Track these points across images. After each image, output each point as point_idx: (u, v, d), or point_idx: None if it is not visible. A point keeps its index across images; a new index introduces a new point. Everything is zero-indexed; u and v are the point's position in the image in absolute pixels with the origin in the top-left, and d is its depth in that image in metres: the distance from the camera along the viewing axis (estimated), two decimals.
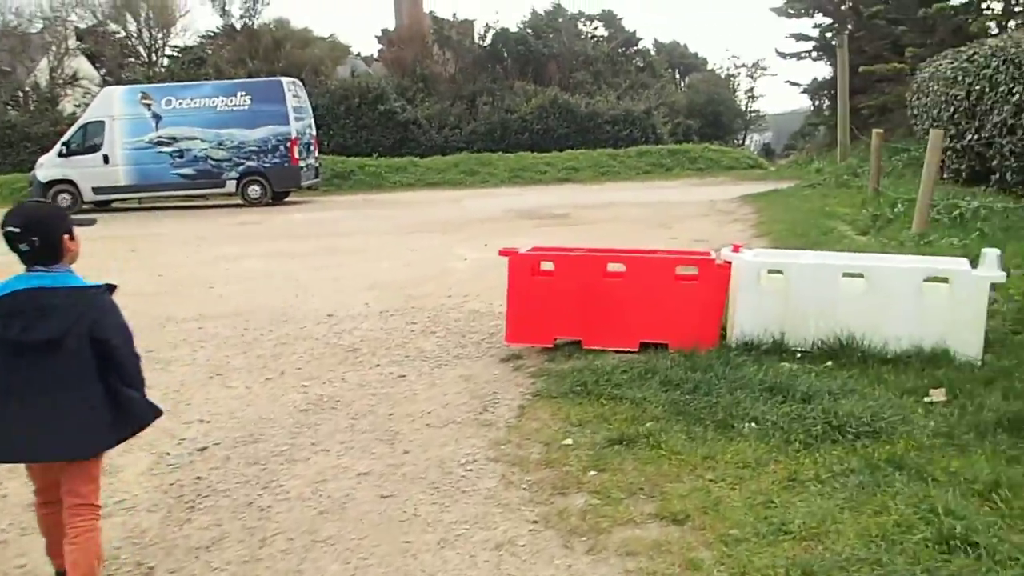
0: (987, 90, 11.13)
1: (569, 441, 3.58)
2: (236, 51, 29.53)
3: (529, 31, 36.64)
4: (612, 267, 4.99)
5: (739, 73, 48.60)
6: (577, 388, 4.16)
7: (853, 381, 4.12)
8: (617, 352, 4.75)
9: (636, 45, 44.62)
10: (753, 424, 3.63)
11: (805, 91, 30.47)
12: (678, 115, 37.70)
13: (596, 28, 43.63)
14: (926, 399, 3.90)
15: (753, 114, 49.91)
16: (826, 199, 12.88)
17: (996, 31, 20.83)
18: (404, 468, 3.42)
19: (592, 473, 3.26)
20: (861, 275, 4.66)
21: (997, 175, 10.99)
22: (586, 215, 13.52)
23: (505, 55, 34.57)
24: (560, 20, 39.47)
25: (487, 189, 21.07)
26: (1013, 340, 4.64)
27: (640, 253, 5.22)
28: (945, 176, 12.66)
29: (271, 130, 17.71)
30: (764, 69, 47.76)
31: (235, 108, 17.73)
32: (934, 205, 8.87)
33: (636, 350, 4.76)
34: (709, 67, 50.45)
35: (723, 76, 48.89)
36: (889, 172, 13.95)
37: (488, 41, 34.72)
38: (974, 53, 12.15)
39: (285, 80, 18.47)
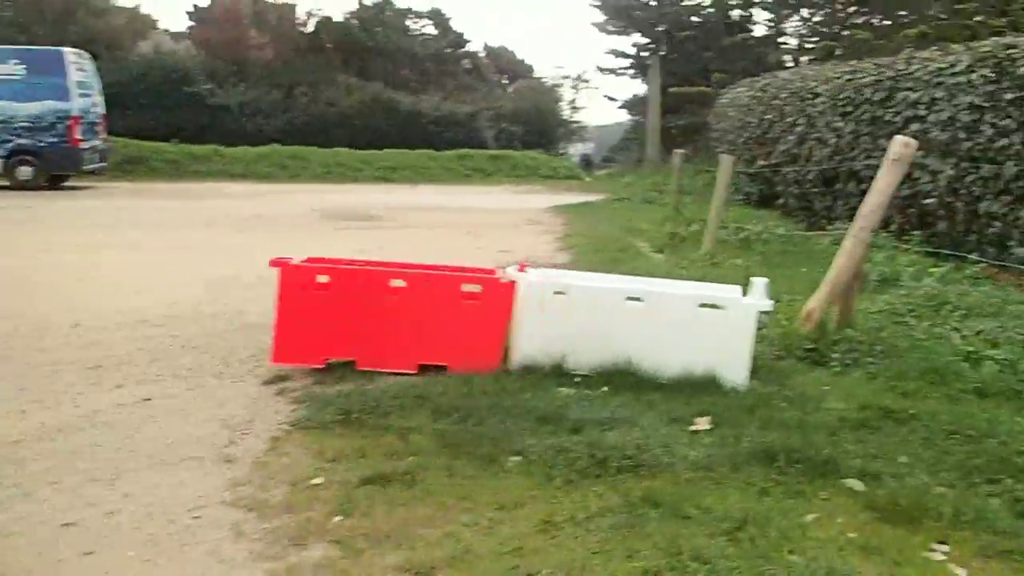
0: (776, 120, 11.92)
1: (319, 480, 3.29)
2: (20, 14, 26.74)
3: (355, 22, 35.76)
4: (394, 283, 4.75)
5: (563, 84, 49.78)
6: (340, 417, 3.87)
7: (625, 409, 4.10)
8: (395, 374, 4.51)
9: (464, 47, 44.76)
10: (518, 458, 3.50)
11: (622, 106, 31.80)
12: (503, 120, 38.06)
13: (425, 26, 43.31)
14: (691, 428, 3.94)
15: (576, 125, 51.25)
16: (631, 214, 13.36)
17: (792, 64, 22.63)
18: (119, 517, 2.99)
19: (337, 519, 2.99)
20: (641, 299, 4.70)
21: (782, 200, 11.80)
22: (397, 218, 13.24)
23: (328, 45, 33.59)
24: (388, 14, 38.86)
25: (296, 185, 20.27)
26: (777, 366, 4.83)
27: (423, 268, 5.01)
28: (740, 198, 13.47)
29: (48, 106, 16.07)
30: (586, 82, 49.25)
31: (5, 78, 15.93)
32: (724, 227, 9.33)
33: (414, 372, 4.55)
34: (536, 75, 51.37)
35: (549, 86, 49.90)
36: (691, 191, 14.66)
37: (310, 28, 33.60)
38: (767, 84, 13.02)
39: (68, 51, 16.82)
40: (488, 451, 3.53)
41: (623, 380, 4.49)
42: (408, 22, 41.02)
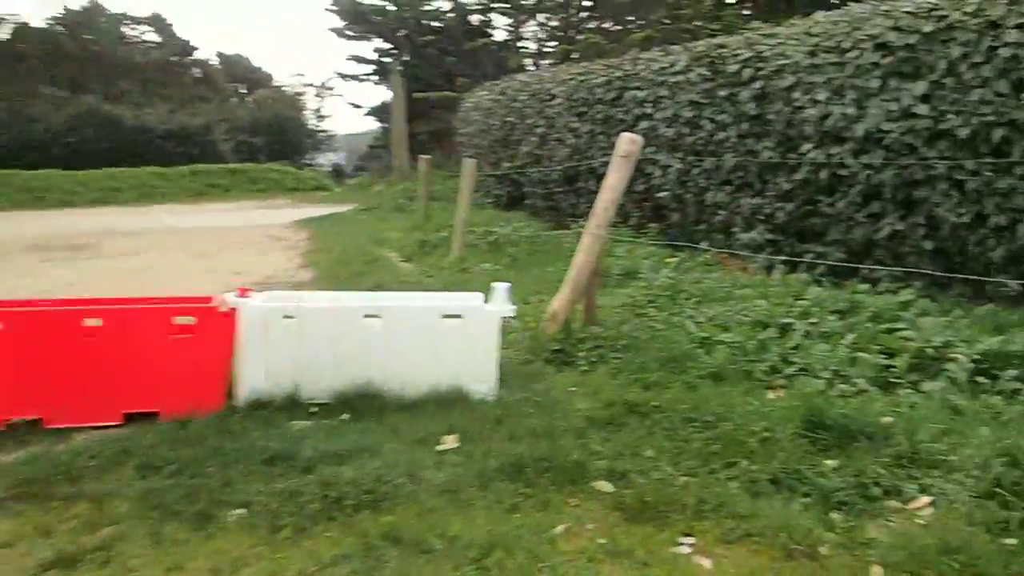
0: (517, 122, 12.25)
1: None
2: None
3: (60, 29, 32.69)
4: (88, 322, 4.17)
5: (306, 92, 48.83)
6: (18, 489, 3.28)
7: (366, 436, 3.86)
8: (94, 429, 3.95)
9: (192, 55, 42.44)
10: (241, 510, 3.13)
11: (369, 113, 31.56)
12: (242, 132, 36.57)
13: (144, 33, 40.53)
14: (438, 448, 3.78)
15: (323, 134, 50.55)
16: (380, 224, 13.17)
17: (533, 68, 23.58)
18: None
19: None
20: (379, 316, 4.48)
21: (530, 201, 12.14)
22: (115, 245, 12.08)
23: (29, 55, 30.40)
24: (100, 20, 35.94)
25: None
26: (525, 371, 4.81)
27: (125, 303, 4.46)
28: (489, 200, 13.72)
29: None
30: (331, 89, 48.60)
31: None
32: (472, 231, 9.39)
33: (119, 424, 4.01)
34: (276, 84, 49.96)
35: (291, 94, 48.75)
36: (441, 197, 14.70)
37: (5, 36, 30.23)
38: (507, 86, 13.36)
39: None
40: (205, 507, 3.14)
41: (365, 405, 4.25)
42: (125, 29, 38.19)
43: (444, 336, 4.46)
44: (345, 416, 4.15)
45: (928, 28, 6.06)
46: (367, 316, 4.47)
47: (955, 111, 5.87)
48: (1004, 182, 5.61)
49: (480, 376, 4.42)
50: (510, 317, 4.63)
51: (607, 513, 3.15)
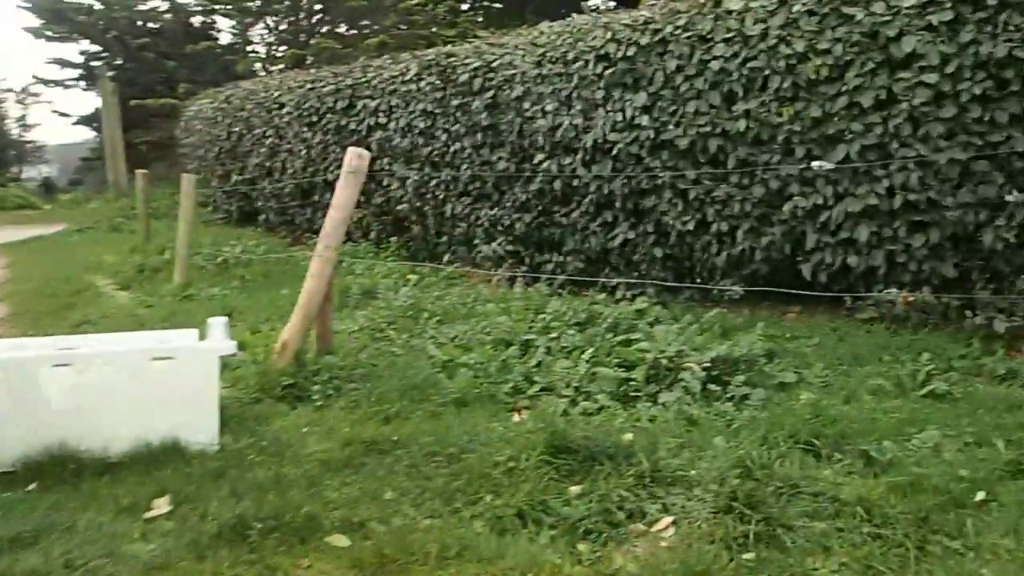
0: (245, 132, 11.60)
1: None
2: None
3: None
4: None
5: (7, 98, 43.89)
6: None
7: (58, 509, 3.31)
8: None
9: None
10: None
11: (79, 122, 28.71)
12: None
13: None
14: (146, 515, 3.31)
15: (30, 145, 45.71)
16: (94, 247, 11.94)
17: (264, 73, 22.61)
18: None
19: None
20: (70, 364, 3.89)
21: (264, 216, 11.54)
22: None
23: None
24: None
25: None
26: (253, 412, 4.41)
27: None
28: (220, 217, 12.91)
29: None
30: (36, 95, 43.89)
31: None
32: (198, 252, 8.71)
33: None
34: None
35: None
36: (165, 215, 13.62)
37: None
38: (231, 94, 12.63)
39: None
40: None
41: (57, 470, 3.66)
42: None
43: (153, 382, 3.96)
44: (31, 487, 3.56)
45: (644, 41, 6.36)
46: (56, 365, 3.87)
47: (674, 122, 6.21)
48: (722, 190, 6.01)
49: (197, 424, 3.96)
50: (230, 354, 4.22)
51: (343, 572, 2.89)
